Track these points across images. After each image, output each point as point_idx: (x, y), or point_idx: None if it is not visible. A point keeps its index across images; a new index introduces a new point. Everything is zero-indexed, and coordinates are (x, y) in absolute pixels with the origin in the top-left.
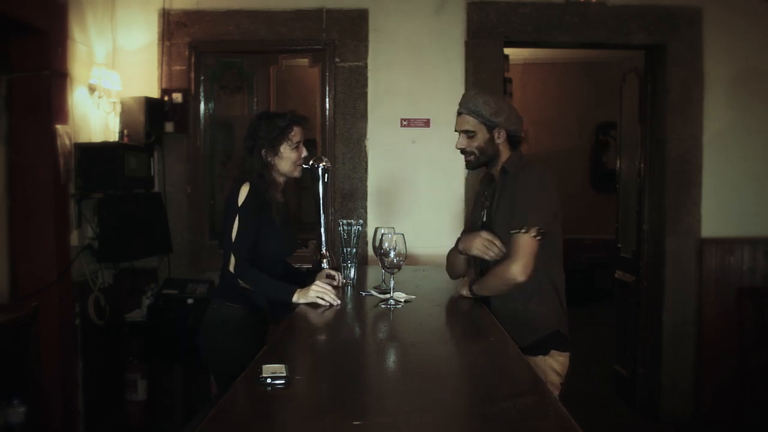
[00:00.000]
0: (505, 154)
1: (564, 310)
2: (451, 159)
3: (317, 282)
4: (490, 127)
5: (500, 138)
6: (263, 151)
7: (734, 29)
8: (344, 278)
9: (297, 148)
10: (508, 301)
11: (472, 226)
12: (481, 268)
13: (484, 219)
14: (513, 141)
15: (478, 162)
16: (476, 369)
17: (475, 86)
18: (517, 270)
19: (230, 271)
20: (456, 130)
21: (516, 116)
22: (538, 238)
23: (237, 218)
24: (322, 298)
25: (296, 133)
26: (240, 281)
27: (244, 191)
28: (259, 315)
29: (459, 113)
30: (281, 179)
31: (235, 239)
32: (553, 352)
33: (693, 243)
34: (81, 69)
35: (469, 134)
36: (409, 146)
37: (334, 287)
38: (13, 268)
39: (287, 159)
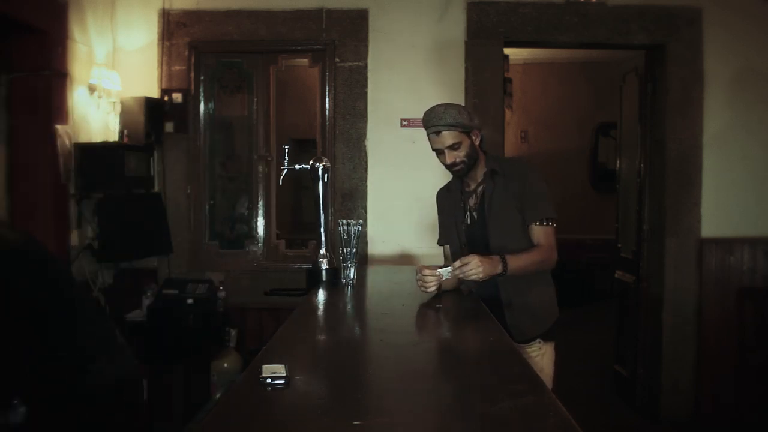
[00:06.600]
0: (481, 154)
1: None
2: None
3: None
4: (468, 133)
5: (477, 139)
6: None
7: (734, 29)
8: (344, 278)
9: None
10: (520, 294)
11: (454, 234)
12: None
13: (469, 222)
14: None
15: (467, 168)
16: (476, 369)
17: (444, 99)
18: (555, 256)
19: None
20: (435, 149)
21: (474, 112)
22: (554, 226)
23: None
24: None
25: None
26: None
27: None
28: None
29: (437, 132)
30: None
31: None
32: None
33: (693, 243)
34: (81, 69)
35: (455, 147)
36: (409, 146)
37: None
38: None
39: None
